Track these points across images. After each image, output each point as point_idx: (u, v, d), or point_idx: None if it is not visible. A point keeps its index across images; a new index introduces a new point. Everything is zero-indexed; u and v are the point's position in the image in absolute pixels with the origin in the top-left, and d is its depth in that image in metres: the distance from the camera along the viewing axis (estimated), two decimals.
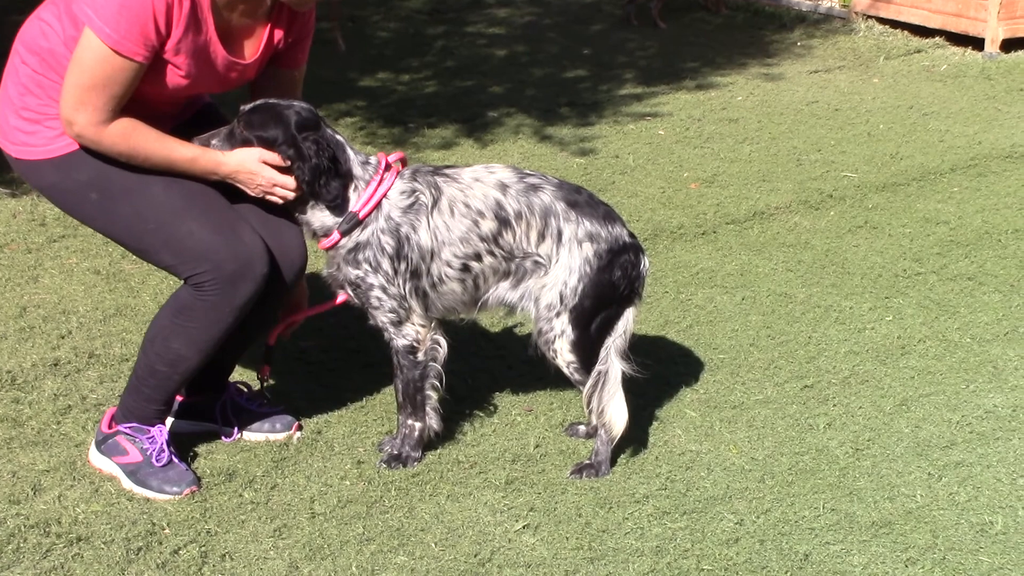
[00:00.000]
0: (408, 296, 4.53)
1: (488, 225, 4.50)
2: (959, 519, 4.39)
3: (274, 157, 4.36)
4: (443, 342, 4.67)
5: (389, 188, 4.47)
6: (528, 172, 4.61)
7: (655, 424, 5.01)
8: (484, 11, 12.92)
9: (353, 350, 5.53)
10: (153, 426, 4.52)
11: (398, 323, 4.57)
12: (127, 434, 4.51)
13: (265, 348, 4.91)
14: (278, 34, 4.46)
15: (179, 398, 4.80)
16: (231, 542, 4.20)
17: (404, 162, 4.60)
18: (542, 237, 4.53)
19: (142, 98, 4.22)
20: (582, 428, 4.93)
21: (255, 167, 4.35)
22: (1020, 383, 5.36)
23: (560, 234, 4.52)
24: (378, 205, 4.46)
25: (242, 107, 4.43)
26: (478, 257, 4.53)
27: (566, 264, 4.52)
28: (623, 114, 9.45)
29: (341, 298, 4.72)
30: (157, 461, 4.46)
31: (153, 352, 4.45)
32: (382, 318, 4.57)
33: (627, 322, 4.66)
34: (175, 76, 4.24)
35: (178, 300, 4.42)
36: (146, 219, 4.32)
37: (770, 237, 7.03)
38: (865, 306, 6.12)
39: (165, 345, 4.43)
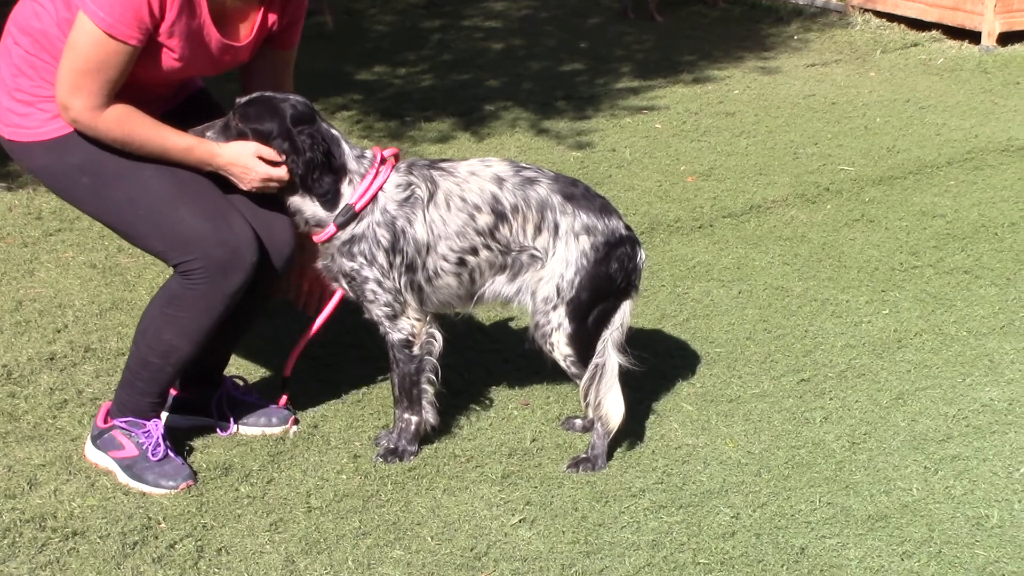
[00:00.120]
0: (403, 290, 4.53)
1: (484, 219, 4.50)
2: (955, 512, 4.40)
3: (270, 152, 4.36)
4: (439, 336, 4.66)
5: (385, 181, 4.47)
6: (524, 165, 4.61)
7: (651, 418, 5.01)
8: (481, 4, 12.91)
9: (349, 344, 5.52)
10: (149, 420, 4.52)
11: (393, 317, 4.57)
12: (123, 428, 4.51)
13: (282, 380, 4.93)
14: (272, 17, 4.46)
15: (173, 392, 4.79)
16: (227, 536, 4.20)
17: (398, 157, 4.60)
18: (538, 230, 4.53)
19: (135, 81, 4.21)
20: (579, 422, 4.93)
21: (250, 162, 4.35)
22: (1016, 376, 5.36)
23: (557, 227, 4.52)
24: (374, 198, 4.45)
25: (238, 99, 4.43)
26: (474, 251, 4.53)
27: (563, 257, 4.52)
28: (620, 108, 9.44)
29: (338, 294, 4.73)
30: (153, 455, 4.46)
31: (145, 344, 4.45)
32: (377, 312, 4.57)
33: (624, 315, 4.66)
34: (169, 59, 4.23)
35: (168, 290, 4.42)
36: (137, 204, 4.32)
37: (767, 231, 7.03)
38: (862, 299, 6.12)
39: (157, 336, 4.42)
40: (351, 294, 4.60)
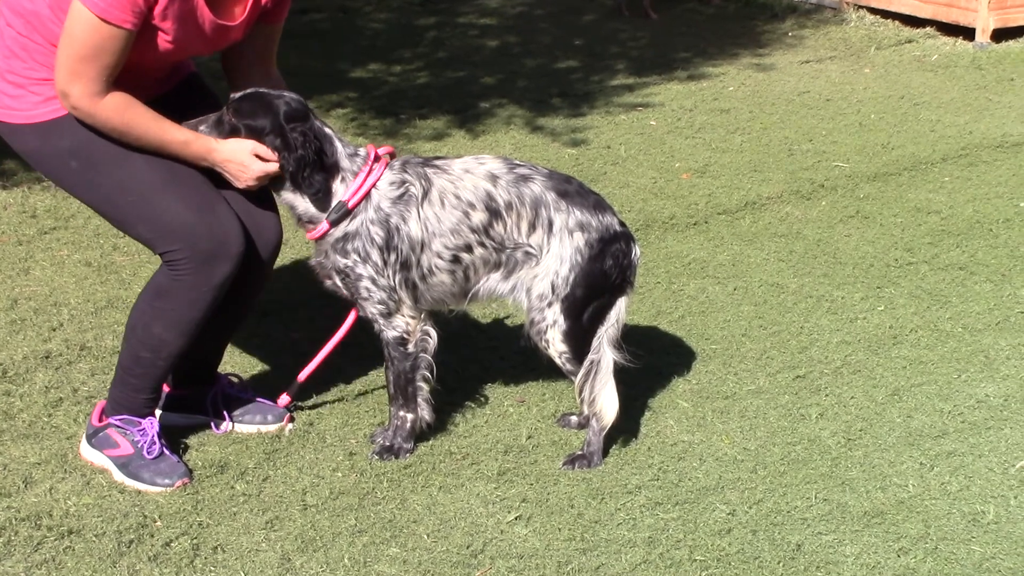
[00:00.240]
0: (398, 288, 4.52)
1: (479, 216, 4.50)
2: (951, 509, 4.40)
3: (267, 151, 4.36)
4: (433, 333, 4.66)
5: (378, 179, 4.47)
6: (518, 163, 4.61)
7: (647, 415, 5.01)
8: (475, 1, 12.91)
9: (344, 342, 5.50)
10: (144, 418, 4.51)
11: (388, 314, 4.57)
12: (118, 427, 4.50)
13: (294, 383, 4.93)
14: None
15: (167, 389, 4.79)
16: (223, 534, 4.20)
17: (393, 156, 4.60)
18: (533, 227, 4.52)
19: (130, 64, 4.19)
20: (574, 419, 4.93)
21: (247, 159, 4.35)
22: (1011, 372, 5.37)
23: (551, 224, 4.52)
24: (367, 195, 4.45)
25: (232, 95, 4.43)
26: (469, 248, 4.53)
27: (557, 254, 4.52)
28: (615, 105, 9.44)
29: (351, 319, 4.73)
30: (148, 453, 4.46)
31: (135, 339, 4.45)
32: (371, 309, 4.56)
33: (619, 311, 4.66)
34: (163, 41, 4.22)
35: (156, 284, 4.42)
36: (126, 191, 4.31)
37: (762, 227, 7.03)
38: (857, 296, 6.12)
39: (147, 331, 4.42)
40: (345, 292, 4.60)
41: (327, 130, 4.49)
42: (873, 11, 12.12)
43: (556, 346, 4.60)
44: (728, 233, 6.94)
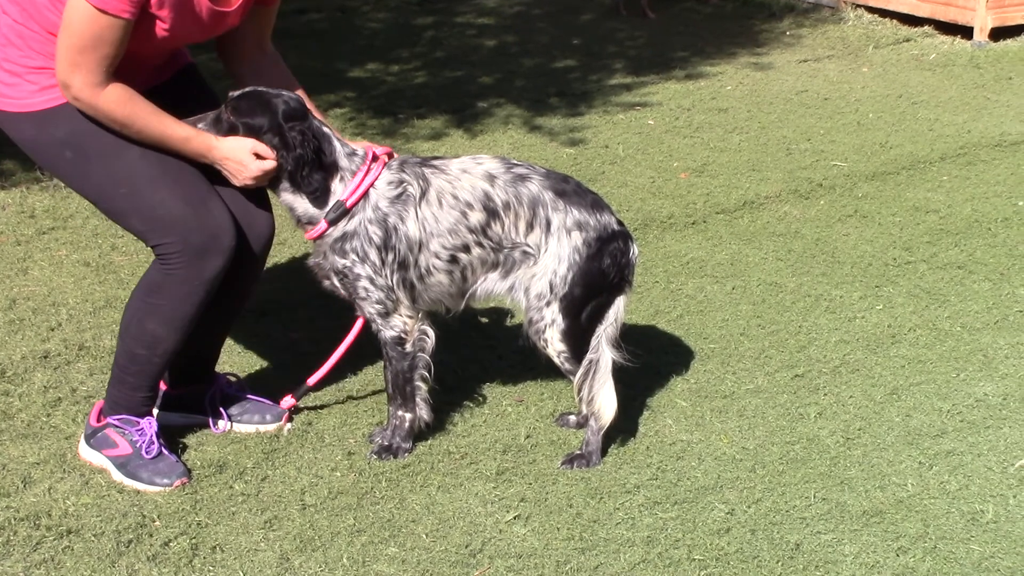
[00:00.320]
0: (396, 287, 4.52)
1: (476, 216, 4.50)
2: (950, 508, 4.40)
3: (266, 150, 4.36)
4: (431, 332, 4.66)
5: (376, 178, 4.47)
6: (515, 162, 4.61)
7: (646, 414, 5.01)
8: (473, 1, 12.91)
9: (342, 342, 5.51)
10: (142, 418, 4.51)
11: (385, 314, 4.57)
12: (116, 426, 4.50)
13: (303, 385, 4.92)
14: None
15: (164, 387, 4.79)
16: (222, 534, 4.20)
17: (391, 155, 4.60)
18: (531, 227, 4.52)
19: (126, 52, 4.19)
20: (573, 418, 4.93)
21: (246, 158, 4.35)
22: (1010, 371, 5.37)
23: (549, 223, 4.52)
24: (365, 195, 4.45)
25: (230, 93, 4.43)
26: (466, 248, 4.53)
27: (555, 253, 4.52)
28: (613, 104, 9.44)
29: (358, 325, 4.73)
30: (147, 453, 4.46)
31: (130, 337, 4.45)
32: (369, 309, 4.56)
33: (618, 310, 4.65)
34: (160, 29, 4.22)
35: (148, 279, 4.42)
36: (119, 183, 4.31)
37: (760, 227, 7.03)
38: (855, 295, 6.13)
39: (141, 327, 4.42)
40: (342, 291, 4.59)
41: (325, 129, 4.49)
42: (871, 10, 12.12)
43: (554, 345, 4.60)
44: (726, 232, 6.94)
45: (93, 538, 4.14)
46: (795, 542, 4.20)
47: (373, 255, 4.46)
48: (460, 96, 9.58)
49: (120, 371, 4.51)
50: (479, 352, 5.52)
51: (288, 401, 4.88)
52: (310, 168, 4.38)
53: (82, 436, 4.62)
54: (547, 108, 9.31)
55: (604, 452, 4.69)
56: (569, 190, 4.57)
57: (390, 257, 4.48)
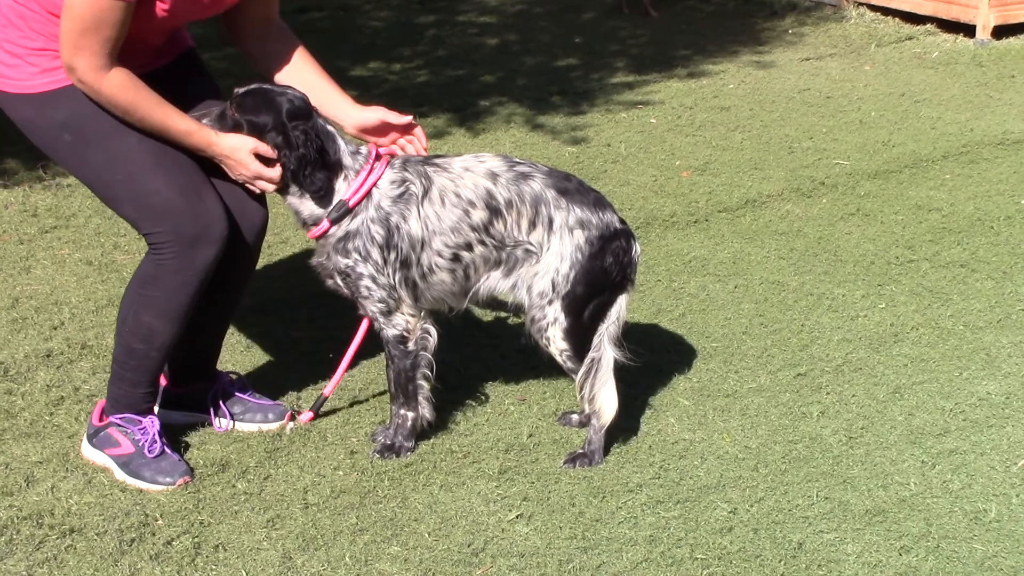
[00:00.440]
0: (398, 286, 4.52)
1: (479, 214, 4.49)
2: (953, 507, 4.39)
3: (267, 150, 4.36)
4: (433, 331, 4.66)
5: (379, 177, 4.47)
6: (518, 160, 4.61)
7: (648, 413, 5.00)
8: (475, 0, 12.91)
9: (345, 340, 5.48)
10: (144, 416, 4.51)
11: (388, 313, 4.57)
12: (119, 425, 4.50)
13: (321, 397, 4.91)
14: None
15: (164, 382, 4.79)
16: (224, 533, 4.20)
17: (393, 154, 4.60)
18: (533, 225, 4.52)
19: (127, 33, 4.20)
20: (575, 417, 4.93)
21: (246, 158, 4.35)
22: (1013, 370, 5.36)
23: (551, 222, 4.52)
24: (368, 194, 4.45)
25: (236, 90, 4.43)
26: (469, 247, 4.52)
27: (557, 251, 4.52)
28: (615, 102, 9.44)
29: (364, 327, 4.73)
30: (149, 452, 4.46)
31: (127, 331, 4.45)
32: (371, 308, 4.56)
33: (620, 309, 4.65)
34: (160, 9, 4.22)
35: (142, 271, 4.43)
36: (115, 169, 4.32)
37: (762, 225, 7.02)
38: (858, 294, 6.12)
39: (136, 320, 4.42)
40: (345, 291, 4.59)
41: (329, 128, 4.49)
42: (873, 8, 12.11)
43: (557, 344, 4.60)
44: (729, 231, 6.93)
45: (96, 537, 4.14)
46: (798, 541, 4.19)
47: (375, 254, 4.46)
48: (462, 95, 9.58)
49: (119, 367, 4.51)
50: (481, 351, 5.52)
51: (307, 416, 4.87)
52: (313, 168, 4.39)
53: (84, 435, 4.62)
54: (549, 107, 9.31)
55: (606, 451, 4.69)
56: (571, 188, 4.57)
57: (392, 256, 4.48)
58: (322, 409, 4.92)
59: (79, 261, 6.34)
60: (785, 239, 6.81)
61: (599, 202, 4.60)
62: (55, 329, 5.59)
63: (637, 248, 4.66)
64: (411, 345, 4.62)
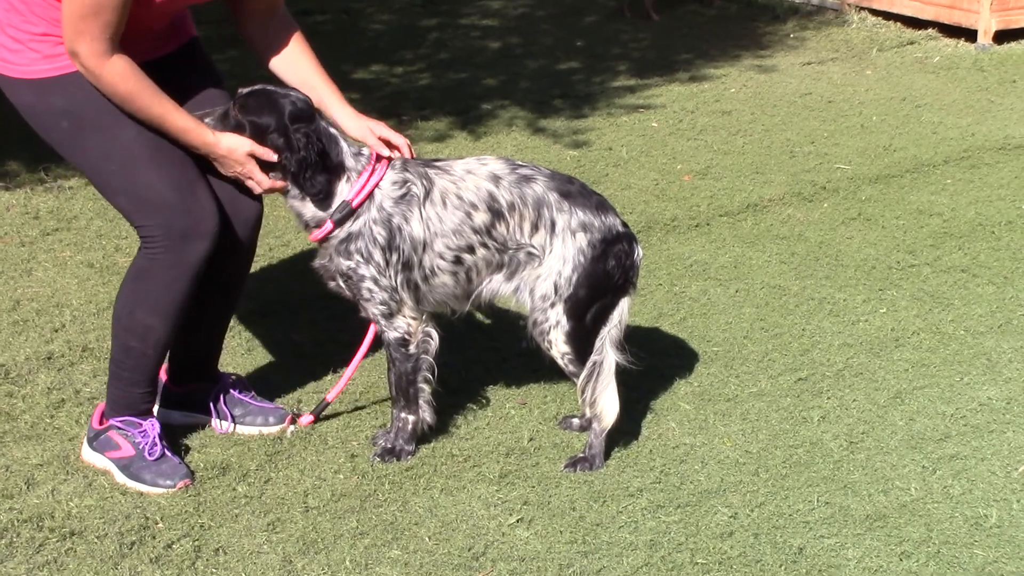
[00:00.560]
0: (400, 288, 4.52)
1: (481, 217, 4.50)
2: (953, 512, 4.39)
3: (263, 152, 4.36)
4: (435, 334, 4.66)
5: (381, 178, 4.47)
6: (520, 163, 4.61)
7: (649, 417, 5.00)
8: (477, 3, 12.90)
9: (346, 343, 5.49)
10: (144, 419, 4.51)
11: (389, 315, 4.57)
12: (119, 428, 4.50)
13: (323, 401, 4.90)
14: None
15: (164, 378, 4.78)
16: (225, 536, 4.20)
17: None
18: (535, 228, 4.52)
19: (129, 18, 4.20)
20: (576, 421, 4.93)
21: (242, 159, 4.36)
22: (1014, 375, 5.36)
23: (553, 224, 4.52)
24: (371, 195, 4.45)
25: (240, 90, 4.44)
26: (471, 249, 4.52)
27: (560, 254, 4.52)
28: (616, 106, 9.44)
29: (371, 334, 4.72)
30: (150, 455, 4.46)
31: (122, 329, 4.46)
32: (373, 310, 4.56)
33: (622, 312, 4.65)
34: None
35: (135, 267, 4.43)
36: (111, 160, 4.33)
37: (764, 229, 7.02)
38: (859, 298, 6.12)
39: (131, 318, 4.42)
40: (347, 293, 4.59)
41: (332, 131, 4.50)
42: (875, 12, 12.11)
43: (559, 347, 4.60)
44: (730, 235, 6.93)
45: (96, 540, 4.15)
46: (798, 546, 4.19)
47: (377, 256, 4.46)
48: (464, 98, 9.58)
49: (116, 366, 4.51)
50: (483, 354, 5.52)
51: (307, 419, 4.87)
52: (313, 171, 4.39)
53: (85, 438, 4.62)
54: (551, 110, 9.31)
55: (607, 455, 4.69)
56: (574, 191, 4.57)
57: (394, 258, 4.48)
58: (323, 413, 4.92)
59: (80, 263, 6.34)
60: (786, 243, 6.81)
61: (601, 205, 4.60)
62: (56, 332, 5.59)
63: (639, 251, 4.66)
64: (412, 348, 4.62)
